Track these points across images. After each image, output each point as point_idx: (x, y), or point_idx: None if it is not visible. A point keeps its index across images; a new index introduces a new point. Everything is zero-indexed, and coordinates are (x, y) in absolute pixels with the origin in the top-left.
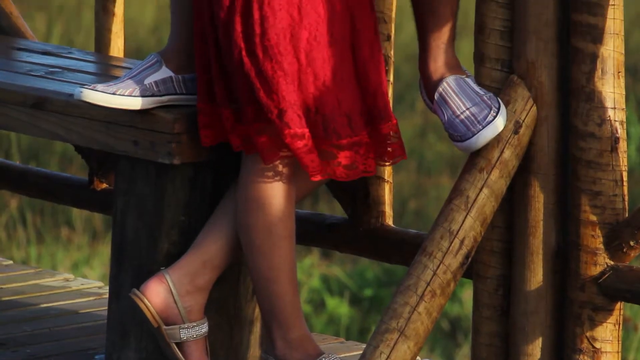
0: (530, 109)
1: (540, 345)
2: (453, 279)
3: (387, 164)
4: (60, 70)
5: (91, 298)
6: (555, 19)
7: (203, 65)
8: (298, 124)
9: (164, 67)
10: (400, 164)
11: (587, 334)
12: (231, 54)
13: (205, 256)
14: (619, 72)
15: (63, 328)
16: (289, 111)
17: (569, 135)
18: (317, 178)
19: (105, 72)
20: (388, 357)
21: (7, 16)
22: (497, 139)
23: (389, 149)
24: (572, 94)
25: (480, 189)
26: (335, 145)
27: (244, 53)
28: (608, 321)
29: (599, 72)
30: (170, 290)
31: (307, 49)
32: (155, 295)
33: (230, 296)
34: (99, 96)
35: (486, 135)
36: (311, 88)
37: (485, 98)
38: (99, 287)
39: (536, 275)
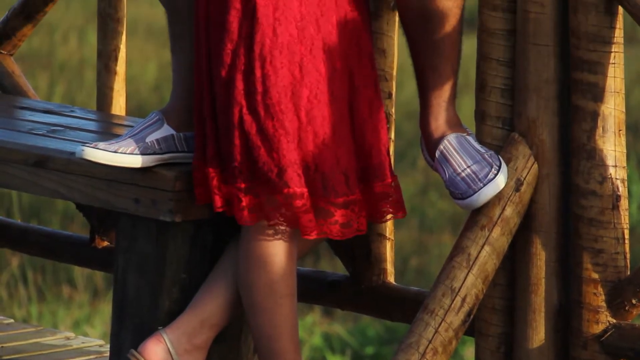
0: (531, 167)
1: None
2: (455, 337)
3: (379, 222)
4: (62, 128)
5: (92, 357)
6: (555, 77)
7: (200, 122)
8: (297, 183)
9: (165, 125)
10: (401, 222)
11: None
12: (229, 112)
13: (203, 315)
14: (620, 130)
15: None
16: (289, 170)
17: (570, 193)
18: (312, 237)
19: (107, 131)
20: None
21: (9, 75)
22: (499, 196)
23: (382, 208)
24: (573, 152)
25: (482, 247)
26: (333, 203)
27: (244, 111)
28: None
29: (600, 130)
30: (169, 349)
31: (308, 107)
32: (154, 355)
33: (232, 354)
34: (100, 154)
35: (487, 193)
36: (311, 146)
37: (486, 156)
38: (100, 346)
39: (538, 333)
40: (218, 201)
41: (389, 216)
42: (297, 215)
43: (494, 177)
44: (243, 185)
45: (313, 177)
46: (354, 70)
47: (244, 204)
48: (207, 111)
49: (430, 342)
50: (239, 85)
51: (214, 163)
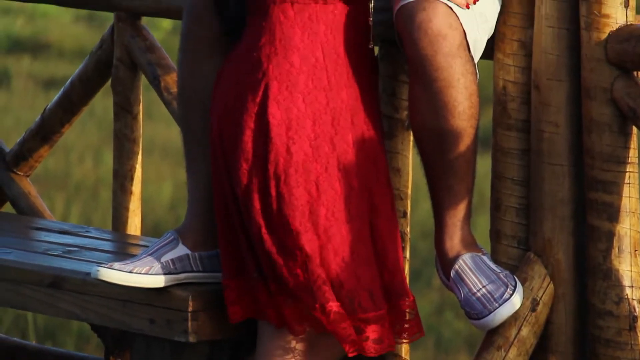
0: (547, 287)
1: None
2: None
3: (404, 341)
4: (77, 249)
5: None
6: (570, 197)
7: (228, 240)
8: (323, 298)
9: (180, 245)
10: (417, 342)
11: None
12: (251, 231)
13: None
14: (635, 250)
15: None
16: (314, 285)
17: (586, 314)
18: (350, 350)
19: (123, 251)
20: None
21: (25, 196)
22: (515, 316)
23: (406, 325)
24: (589, 272)
25: None
26: (362, 319)
27: (263, 230)
28: None
29: (615, 250)
30: None
31: (326, 225)
32: None
33: None
34: (115, 275)
35: (503, 313)
36: (332, 264)
37: (502, 276)
38: None
39: None
40: (272, 313)
41: (413, 336)
42: (331, 328)
43: (510, 297)
44: (278, 299)
45: (338, 293)
46: (373, 189)
47: (285, 316)
48: (238, 229)
49: None
50: (256, 205)
51: (257, 277)
